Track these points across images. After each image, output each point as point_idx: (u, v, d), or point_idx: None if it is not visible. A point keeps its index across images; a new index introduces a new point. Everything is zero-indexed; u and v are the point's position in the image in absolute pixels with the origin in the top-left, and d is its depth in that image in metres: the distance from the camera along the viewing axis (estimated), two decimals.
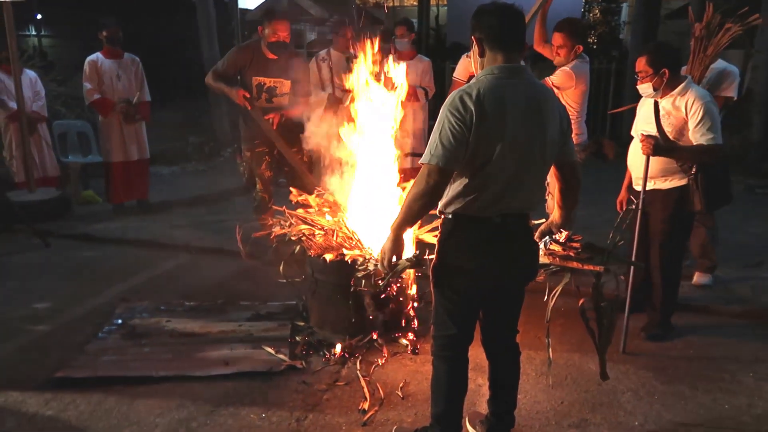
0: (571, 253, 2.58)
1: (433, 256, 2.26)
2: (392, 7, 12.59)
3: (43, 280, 4.35)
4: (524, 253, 2.28)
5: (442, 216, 2.22)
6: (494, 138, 2.03)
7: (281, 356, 3.19)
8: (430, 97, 5.32)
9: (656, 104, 3.24)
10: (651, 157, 3.19)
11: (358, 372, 3.08)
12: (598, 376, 2.76)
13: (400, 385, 2.98)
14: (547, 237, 2.56)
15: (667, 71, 3.15)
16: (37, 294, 4.06)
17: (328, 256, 3.29)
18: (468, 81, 3.96)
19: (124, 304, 3.87)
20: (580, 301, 2.62)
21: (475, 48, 2.16)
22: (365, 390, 2.91)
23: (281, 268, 3.57)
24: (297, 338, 3.40)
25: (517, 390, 2.52)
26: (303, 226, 3.53)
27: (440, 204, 2.19)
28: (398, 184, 3.63)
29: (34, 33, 10.19)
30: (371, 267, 2.22)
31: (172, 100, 7.76)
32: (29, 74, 6.05)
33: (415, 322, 3.47)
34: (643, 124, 3.35)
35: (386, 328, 3.39)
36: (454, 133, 2.01)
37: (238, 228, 3.92)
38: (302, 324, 3.57)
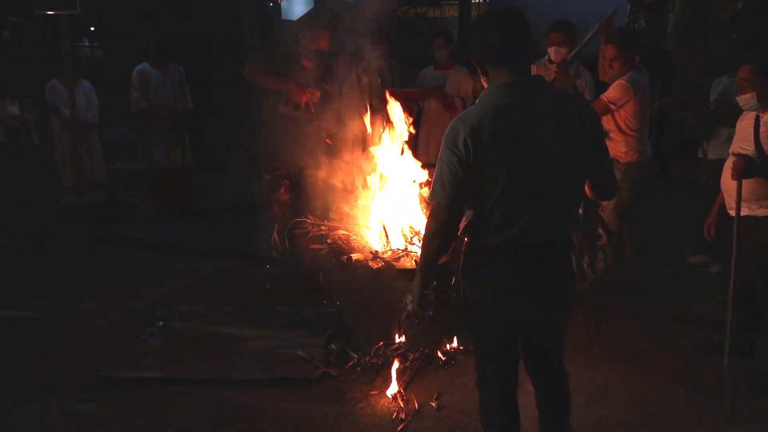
0: None
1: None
2: (432, 18, 12.60)
3: (89, 281, 4.50)
4: (552, 284, 2.02)
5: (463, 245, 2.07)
6: (498, 166, 1.85)
7: (316, 363, 3.21)
8: (468, 105, 5.31)
9: (757, 119, 2.91)
10: (744, 180, 2.84)
11: (392, 381, 3.07)
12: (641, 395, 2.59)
13: (435, 396, 2.95)
14: None
15: None
16: (84, 295, 4.19)
17: (360, 262, 3.31)
18: None
19: (165, 307, 3.96)
20: None
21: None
22: (399, 400, 2.90)
23: (318, 274, 3.60)
24: (332, 346, 3.41)
25: (567, 416, 2.27)
26: (340, 231, 3.57)
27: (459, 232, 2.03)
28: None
29: (87, 44, 10.64)
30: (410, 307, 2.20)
31: (215, 109, 7.98)
32: (84, 84, 6.30)
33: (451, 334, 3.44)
34: (741, 141, 2.98)
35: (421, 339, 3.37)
36: (452, 169, 1.86)
37: (276, 230, 3.93)
38: (337, 331, 3.58)
